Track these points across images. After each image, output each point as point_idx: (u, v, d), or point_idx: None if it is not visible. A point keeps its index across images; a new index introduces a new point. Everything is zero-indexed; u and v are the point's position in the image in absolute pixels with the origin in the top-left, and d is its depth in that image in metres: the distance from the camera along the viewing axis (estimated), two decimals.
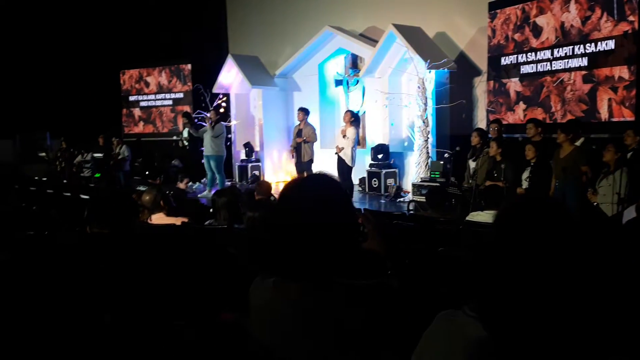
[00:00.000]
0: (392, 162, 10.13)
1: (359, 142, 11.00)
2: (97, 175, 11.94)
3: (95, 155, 12.07)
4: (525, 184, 6.65)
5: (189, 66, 14.03)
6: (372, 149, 10.23)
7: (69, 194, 7.17)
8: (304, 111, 10.05)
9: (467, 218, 5.05)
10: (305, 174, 9.92)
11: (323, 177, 1.55)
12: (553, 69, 8.06)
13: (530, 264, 1.18)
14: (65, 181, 11.25)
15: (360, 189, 10.42)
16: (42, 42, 13.61)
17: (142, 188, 8.96)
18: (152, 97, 14.76)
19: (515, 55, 8.59)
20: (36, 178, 10.93)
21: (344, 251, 1.48)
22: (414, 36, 9.34)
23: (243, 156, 12.30)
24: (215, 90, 12.33)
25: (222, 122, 10.72)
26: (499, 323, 1.17)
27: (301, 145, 9.85)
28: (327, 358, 1.44)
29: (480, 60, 9.49)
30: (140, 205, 4.43)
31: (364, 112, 11.36)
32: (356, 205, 8.81)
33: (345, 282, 1.43)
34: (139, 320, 1.84)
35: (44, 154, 13.43)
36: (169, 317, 1.94)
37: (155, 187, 4.83)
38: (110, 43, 14.16)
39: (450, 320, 1.23)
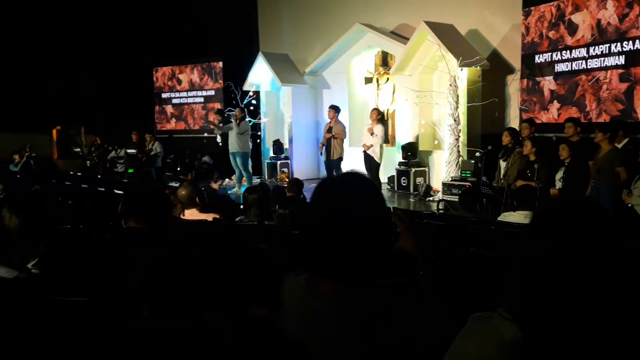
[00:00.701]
0: (421, 160, 10.07)
1: (388, 140, 10.97)
2: (130, 170, 12.17)
3: (129, 151, 12.30)
4: (558, 185, 6.53)
5: (220, 64, 14.18)
6: (402, 147, 10.18)
7: (103, 189, 7.34)
8: (335, 109, 10.06)
9: (499, 218, 4.98)
10: (334, 172, 9.94)
11: (358, 176, 1.56)
12: (588, 67, 7.89)
13: (568, 266, 1.17)
14: (99, 176, 11.51)
15: (389, 187, 10.38)
16: (78, 40, 13.92)
17: (174, 184, 9.13)
18: (184, 94, 14.96)
19: (550, 53, 8.44)
20: (71, 173, 11.20)
21: (377, 250, 1.49)
22: (445, 33, 9.26)
23: (272, 153, 12.38)
24: (245, 87, 12.43)
25: (248, 119, 10.83)
26: (534, 325, 1.16)
27: (331, 143, 9.86)
28: (358, 356, 1.45)
29: (514, 58, 9.34)
30: (175, 201, 4.51)
31: (394, 110, 11.31)
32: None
33: (377, 281, 1.44)
34: (174, 314, 1.88)
35: (78, 149, 13.75)
36: (200, 311, 1.97)
37: (190, 183, 4.91)
38: (144, 41, 14.40)
39: (485, 321, 1.23)
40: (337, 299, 1.45)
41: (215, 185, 8.77)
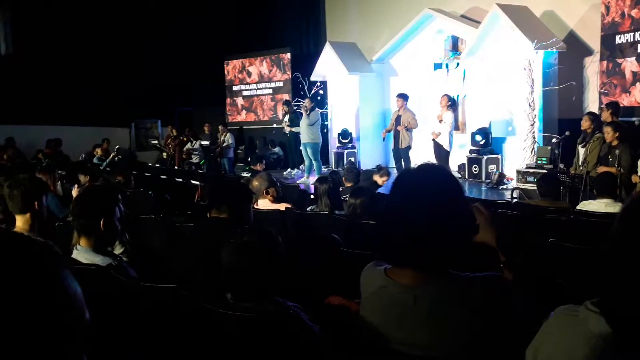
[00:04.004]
0: (494, 147, 9.81)
1: (459, 127, 10.75)
2: (202, 162, 12.61)
3: (203, 143, 12.72)
4: None
5: (288, 55, 14.32)
6: (473, 133, 9.94)
7: (180, 180, 7.65)
8: (403, 97, 9.95)
9: (578, 207, 4.81)
10: (402, 161, 9.88)
11: (436, 168, 1.57)
12: None
13: None
14: (176, 167, 12.00)
15: (460, 175, 10.18)
16: (154, 37, 14.48)
17: (245, 174, 9.38)
18: (253, 86, 15.27)
19: (632, 33, 7.96)
20: (149, 164, 11.74)
21: (457, 241, 1.50)
22: (519, 16, 8.93)
23: (339, 142, 12.43)
24: (313, 78, 12.52)
25: (318, 109, 10.91)
26: (624, 319, 1.14)
27: (399, 131, 9.78)
28: (439, 347, 1.47)
29: (592, 39, 8.89)
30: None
31: (465, 96, 11.05)
32: None
33: (458, 273, 1.45)
34: (256, 301, 1.96)
35: (155, 141, 14.37)
36: (283, 297, 2.05)
37: (264, 174, 5.03)
38: (216, 34, 14.78)
39: (571, 314, 1.22)
40: (417, 289, 1.48)
41: (258, 167, 8.69)
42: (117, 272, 2.31)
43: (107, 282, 2.23)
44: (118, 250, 2.99)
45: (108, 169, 9.39)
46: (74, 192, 5.08)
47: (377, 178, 6.98)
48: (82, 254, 2.55)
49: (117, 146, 12.27)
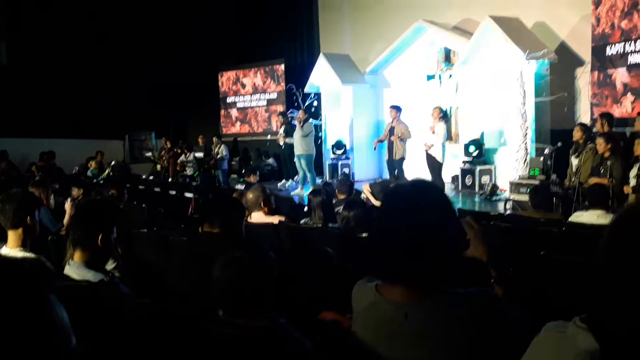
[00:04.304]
0: (487, 158, 9.85)
1: (452, 137, 10.80)
2: (196, 174, 12.59)
3: (197, 154, 12.72)
4: (633, 182, 6.23)
5: (282, 66, 14.39)
6: (466, 144, 9.99)
7: (174, 192, 7.64)
8: (396, 109, 10.00)
9: (571, 219, 4.83)
10: (396, 172, 9.90)
11: (427, 184, 1.58)
12: None
13: None
14: (170, 179, 11.98)
15: (453, 186, 10.21)
16: (147, 49, 14.51)
17: (239, 187, 9.37)
18: (247, 97, 15.30)
19: (622, 44, 8.05)
20: (143, 177, 11.71)
21: (448, 257, 1.50)
22: (511, 27, 9.01)
23: (333, 154, 12.46)
24: (307, 89, 12.57)
25: (312, 121, 10.95)
26: (611, 335, 1.15)
27: (393, 143, 9.81)
28: None
29: (583, 50, 8.98)
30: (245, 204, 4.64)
31: (457, 107, 11.12)
32: None
33: (450, 290, 1.46)
34: (248, 317, 1.96)
35: (149, 153, 14.36)
36: (275, 313, 2.04)
37: (258, 187, 5.04)
38: (210, 46, 14.82)
39: (560, 331, 1.22)
40: (408, 306, 1.48)
41: (252, 179, 8.68)
42: (109, 289, 2.31)
43: (98, 299, 2.22)
44: (110, 265, 2.97)
45: (102, 182, 9.36)
46: (67, 206, 5.07)
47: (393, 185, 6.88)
48: (74, 269, 2.54)
49: (113, 162, 12.23)
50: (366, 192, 6.28)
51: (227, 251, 2.03)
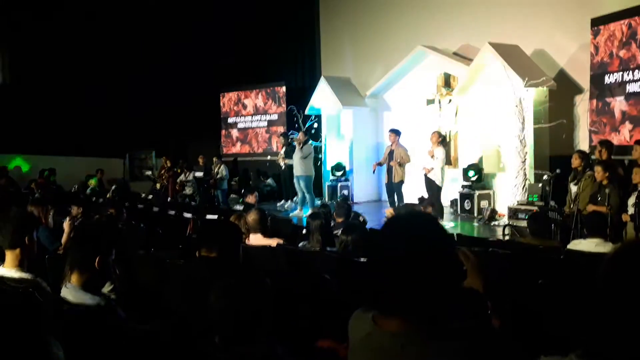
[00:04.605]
0: (486, 183, 9.88)
1: (451, 162, 10.84)
2: (194, 192, 12.58)
3: (197, 174, 12.74)
4: (631, 210, 6.24)
5: (284, 88, 14.50)
6: (464, 169, 10.03)
7: (173, 212, 7.64)
8: (396, 132, 10.05)
9: (569, 246, 4.82)
10: (395, 195, 9.92)
11: (424, 216, 1.59)
12: None
13: None
14: (169, 199, 11.98)
15: (452, 210, 10.22)
16: (150, 68, 14.64)
17: (238, 207, 9.37)
18: (248, 118, 15.40)
19: (621, 73, 8.14)
20: (142, 195, 11.72)
21: (444, 289, 1.50)
22: (510, 54, 9.11)
23: (332, 175, 12.49)
24: (307, 111, 12.65)
25: (312, 142, 11.02)
26: None
27: (392, 166, 9.85)
28: None
29: (582, 78, 9.06)
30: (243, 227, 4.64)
31: (457, 132, 11.18)
32: (449, 228, 8.66)
33: (446, 322, 1.46)
34: (244, 344, 1.96)
35: (149, 172, 14.38)
36: (272, 341, 2.04)
37: (258, 209, 5.04)
38: (212, 68, 14.96)
39: None
40: (404, 337, 1.48)
41: (251, 199, 8.70)
42: (106, 313, 2.30)
43: (95, 323, 2.22)
44: (107, 288, 2.96)
45: (101, 199, 9.36)
46: (66, 225, 5.06)
47: (424, 209, 6.74)
48: (71, 292, 2.54)
49: (114, 186, 12.22)
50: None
51: (223, 277, 2.03)
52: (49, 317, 2.48)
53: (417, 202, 7.56)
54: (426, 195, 9.37)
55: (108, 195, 11.37)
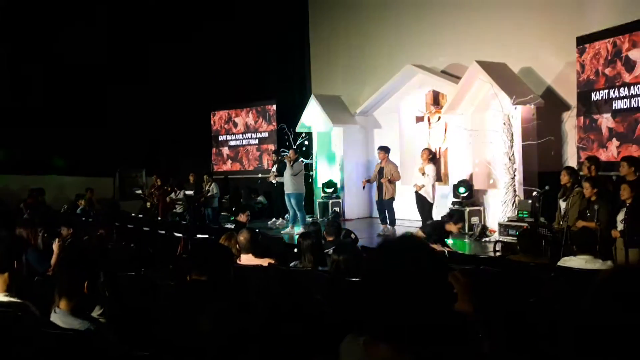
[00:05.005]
0: (476, 199, 9.93)
1: (441, 178, 10.90)
2: (184, 211, 12.53)
3: (187, 192, 12.69)
4: (620, 226, 6.29)
5: (274, 107, 14.56)
6: (454, 185, 10.09)
7: (163, 232, 7.60)
8: (385, 150, 10.12)
9: (559, 263, 4.85)
10: (386, 212, 9.94)
11: (415, 240, 1.60)
12: None
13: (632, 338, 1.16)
14: (159, 218, 11.91)
15: None
16: (141, 86, 14.63)
17: (229, 225, 9.34)
18: (239, 136, 15.42)
19: (607, 91, 8.25)
20: (133, 215, 11.65)
21: (434, 313, 1.51)
22: (498, 72, 9.22)
23: (323, 192, 12.50)
24: (298, 129, 12.70)
25: (302, 160, 11.06)
26: None
27: (383, 183, 9.90)
28: None
29: (569, 95, 9.19)
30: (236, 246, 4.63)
31: (446, 148, 11.26)
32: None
33: (438, 347, 1.46)
34: None
35: (139, 191, 14.31)
36: None
37: (249, 228, 5.04)
38: (203, 86, 15.00)
39: None
40: None
41: (242, 218, 8.70)
42: (95, 338, 2.28)
43: (85, 349, 2.20)
44: (97, 312, 2.94)
45: (90, 220, 9.30)
46: (55, 246, 5.02)
47: (450, 227, 6.70)
48: (60, 317, 2.52)
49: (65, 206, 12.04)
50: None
51: (214, 301, 2.03)
52: (37, 341, 2.46)
53: (441, 217, 7.57)
54: (417, 212, 9.40)
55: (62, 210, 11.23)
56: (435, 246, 5.58)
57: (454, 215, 7.15)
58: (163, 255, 6.38)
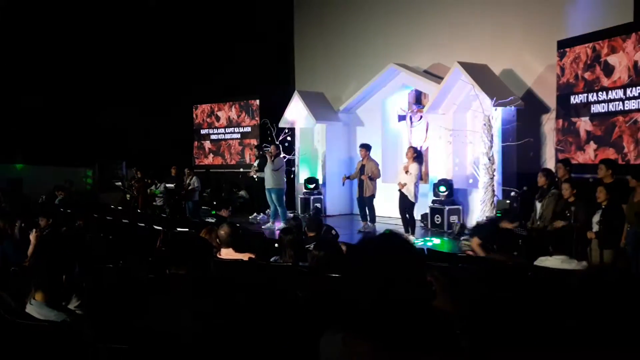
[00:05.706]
0: (455, 199, 10.03)
1: (422, 177, 10.98)
2: (161, 204, 12.43)
3: (168, 185, 12.59)
4: (595, 228, 6.41)
5: (258, 102, 14.53)
6: (435, 184, 10.17)
7: (143, 224, 7.54)
8: (366, 147, 10.16)
9: (536, 263, 4.92)
10: (367, 209, 9.99)
11: (396, 237, 1.62)
12: (625, 108, 7.81)
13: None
14: (139, 210, 11.80)
15: (423, 224, 10.33)
16: (123, 78, 14.49)
17: (210, 219, 9.29)
18: (222, 130, 15.35)
19: (586, 94, 8.39)
20: (112, 206, 11.52)
21: (413, 310, 1.53)
22: (479, 73, 9.31)
23: (305, 188, 12.51)
24: (281, 124, 12.68)
25: (283, 155, 11.05)
26: None
27: (363, 180, 9.94)
28: None
29: (549, 97, 9.32)
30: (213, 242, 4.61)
31: (427, 148, 11.35)
32: (418, 242, 8.76)
33: (414, 342, 1.48)
34: None
35: (119, 183, 14.15)
36: None
37: (230, 223, 5.02)
38: (185, 80, 14.90)
39: None
40: (371, 358, 1.50)
41: (224, 213, 8.68)
42: (72, 329, 2.26)
43: (61, 340, 2.18)
44: (73, 303, 2.91)
45: (69, 211, 9.17)
46: (32, 237, 4.96)
47: (506, 224, 6.38)
48: (35, 308, 2.49)
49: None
50: (476, 248, 5.80)
51: (193, 295, 2.03)
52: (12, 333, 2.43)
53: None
54: (397, 210, 9.45)
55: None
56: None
57: (509, 214, 6.92)
58: (142, 247, 6.33)
